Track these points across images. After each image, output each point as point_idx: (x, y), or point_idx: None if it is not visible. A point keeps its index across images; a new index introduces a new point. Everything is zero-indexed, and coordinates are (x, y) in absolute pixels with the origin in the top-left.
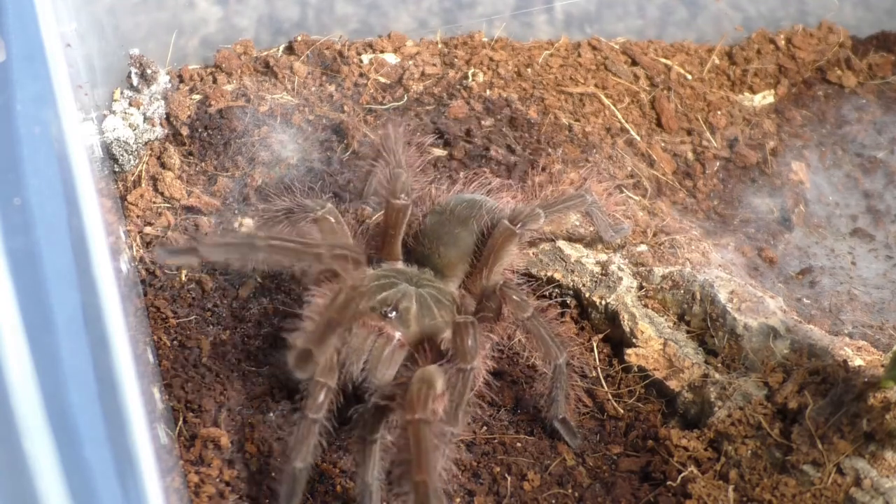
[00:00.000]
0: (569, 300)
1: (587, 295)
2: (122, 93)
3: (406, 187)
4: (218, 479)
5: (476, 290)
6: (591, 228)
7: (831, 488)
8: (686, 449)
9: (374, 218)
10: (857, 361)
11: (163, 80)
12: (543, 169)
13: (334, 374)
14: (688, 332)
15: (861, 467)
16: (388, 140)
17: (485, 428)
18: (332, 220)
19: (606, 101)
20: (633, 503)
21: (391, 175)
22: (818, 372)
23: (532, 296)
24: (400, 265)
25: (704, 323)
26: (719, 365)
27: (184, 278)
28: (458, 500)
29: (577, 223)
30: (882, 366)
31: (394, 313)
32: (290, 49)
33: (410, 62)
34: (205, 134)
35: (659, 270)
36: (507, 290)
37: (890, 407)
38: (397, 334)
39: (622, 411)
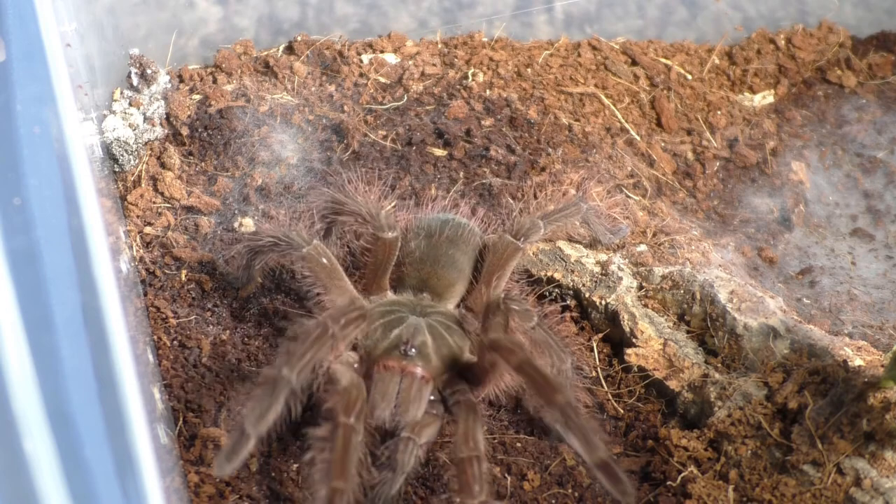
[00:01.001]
0: (569, 300)
1: (587, 295)
2: (122, 93)
3: (391, 219)
4: (218, 479)
5: (477, 307)
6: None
7: (831, 488)
8: (686, 449)
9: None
10: (857, 361)
11: (163, 80)
12: (543, 169)
13: (361, 420)
14: (688, 332)
15: (861, 467)
16: (346, 192)
17: (485, 428)
18: (321, 258)
19: (606, 101)
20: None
21: (370, 212)
22: (818, 372)
23: (533, 301)
24: (391, 295)
25: (704, 323)
26: (719, 365)
27: (184, 278)
28: (457, 499)
29: (577, 223)
30: (882, 366)
31: (413, 351)
32: (290, 49)
33: (410, 62)
34: (205, 134)
35: (659, 270)
36: (510, 302)
37: (890, 407)
38: (420, 371)
39: (622, 411)
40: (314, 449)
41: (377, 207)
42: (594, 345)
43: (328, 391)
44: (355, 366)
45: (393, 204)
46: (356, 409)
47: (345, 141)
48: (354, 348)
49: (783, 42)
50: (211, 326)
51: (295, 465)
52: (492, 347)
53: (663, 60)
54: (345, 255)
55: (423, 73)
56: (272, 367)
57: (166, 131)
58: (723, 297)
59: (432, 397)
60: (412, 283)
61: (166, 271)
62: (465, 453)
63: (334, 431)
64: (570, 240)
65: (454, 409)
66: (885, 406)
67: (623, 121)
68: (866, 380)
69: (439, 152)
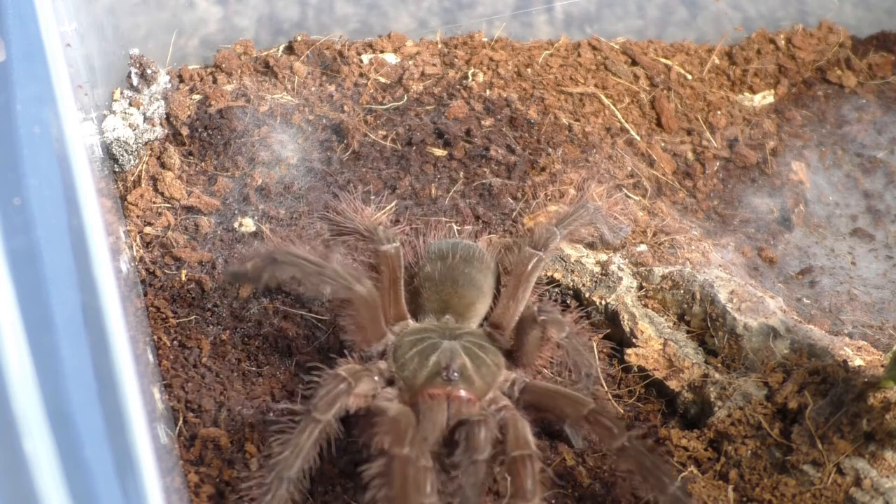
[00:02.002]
0: (569, 300)
1: (587, 295)
2: (122, 93)
3: (389, 233)
4: (218, 479)
5: (504, 322)
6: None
7: (831, 488)
8: (686, 449)
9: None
10: (857, 361)
11: (163, 80)
12: (543, 169)
13: (416, 448)
14: (688, 332)
15: (861, 467)
16: (343, 215)
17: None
18: (369, 299)
19: (606, 101)
20: (633, 503)
21: (368, 228)
22: (818, 372)
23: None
24: (413, 323)
25: (704, 323)
26: (719, 365)
27: (184, 278)
28: (457, 500)
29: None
30: (882, 366)
31: (455, 374)
32: (290, 49)
33: (410, 62)
34: (205, 134)
35: (659, 270)
36: (544, 314)
37: (890, 407)
38: (465, 393)
39: (622, 411)
40: (372, 488)
41: (373, 223)
42: (594, 345)
43: (374, 424)
44: (395, 401)
45: (394, 203)
46: (408, 437)
47: (345, 141)
48: (391, 383)
49: (783, 42)
50: (211, 326)
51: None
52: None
53: (663, 60)
54: None
55: (423, 73)
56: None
57: (166, 131)
58: (723, 297)
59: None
60: (433, 307)
61: (166, 271)
62: (517, 452)
63: (389, 465)
64: (571, 240)
65: (500, 423)
66: (885, 406)
67: (623, 121)
68: (866, 380)
69: (439, 152)
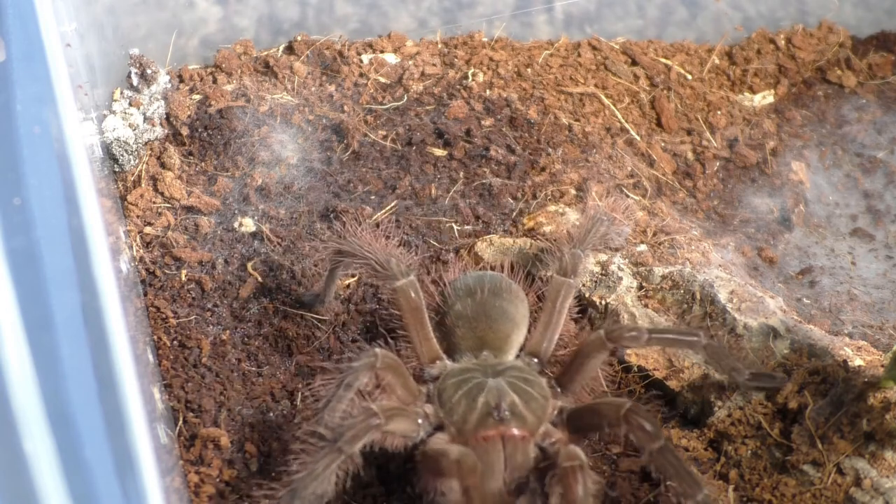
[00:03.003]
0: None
1: (587, 295)
2: (122, 93)
3: (402, 266)
4: (218, 479)
5: (542, 352)
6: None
7: (831, 488)
8: (686, 449)
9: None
10: (857, 361)
11: (163, 80)
12: (543, 169)
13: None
14: None
15: (861, 467)
16: (350, 241)
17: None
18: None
19: (606, 101)
20: (632, 503)
21: (379, 261)
22: (818, 372)
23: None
24: (451, 363)
25: (704, 323)
26: None
27: (184, 278)
28: None
29: (577, 223)
30: (882, 366)
31: (506, 413)
32: (290, 49)
33: (410, 62)
34: (205, 134)
35: (659, 270)
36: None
37: (890, 407)
38: (519, 431)
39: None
40: None
41: (385, 255)
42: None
43: (439, 468)
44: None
45: (394, 203)
46: (476, 473)
47: (345, 141)
48: (440, 428)
49: (783, 42)
50: (211, 326)
51: (295, 466)
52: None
53: (663, 60)
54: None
55: (423, 73)
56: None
57: (166, 131)
58: (723, 296)
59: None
60: (470, 345)
61: (166, 271)
62: (568, 463)
63: (468, 495)
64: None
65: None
66: (885, 406)
67: (623, 121)
68: (866, 380)
69: (439, 152)
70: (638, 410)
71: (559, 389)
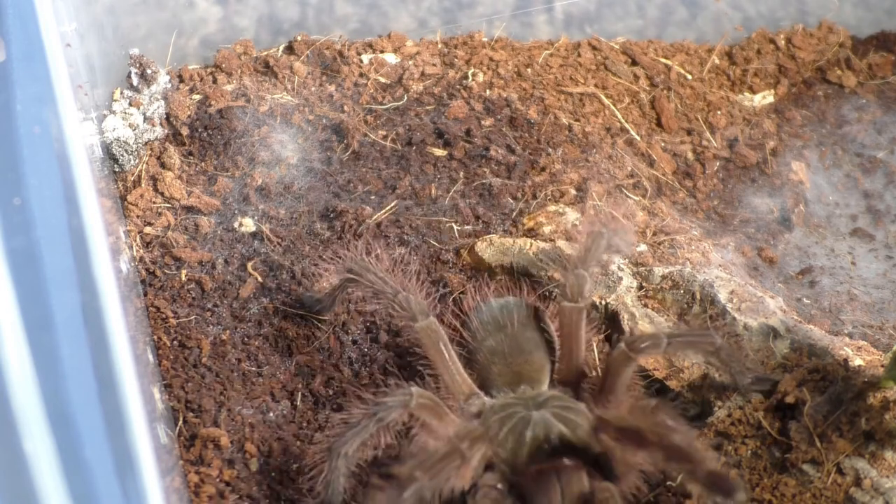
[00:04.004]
0: None
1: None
2: (122, 93)
3: (422, 304)
4: (218, 479)
5: (571, 379)
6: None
7: (831, 488)
8: None
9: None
10: (856, 361)
11: (163, 80)
12: (543, 169)
13: None
14: None
15: (861, 467)
16: (364, 269)
17: None
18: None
19: (606, 101)
20: (633, 503)
21: (399, 302)
22: (818, 371)
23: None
24: (488, 399)
25: (704, 323)
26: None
27: (184, 278)
28: None
29: (577, 222)
30: (882, 366)
31: (557, 445)
32: (290, 49)
33: (410, 62)
34: (205, 134)
35: (659, 270)
36: (636, 340)
37: (889, 406)
38: (572, 462)
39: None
40: None
41: (404, 294)
42: (594, 345)
43: None
44: (499, 486)
45: (394, 203)
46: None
47: (345, 141)
48: (489, 467)
49: (783, 42)
50: (211, 326)
51: (295, 466)
52: None
53: (663, 60)
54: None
55: (423, 73)
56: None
57: (166, 131)
58: (723, 296)
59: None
60: (506, 380)
61: (166, 271)
62: (600, 495)
63: None
64: (570, 240)
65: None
66: (884, 406)
67: (623, 121)
68: (866, 379)
69: (439, 152)
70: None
71: (599, 411)
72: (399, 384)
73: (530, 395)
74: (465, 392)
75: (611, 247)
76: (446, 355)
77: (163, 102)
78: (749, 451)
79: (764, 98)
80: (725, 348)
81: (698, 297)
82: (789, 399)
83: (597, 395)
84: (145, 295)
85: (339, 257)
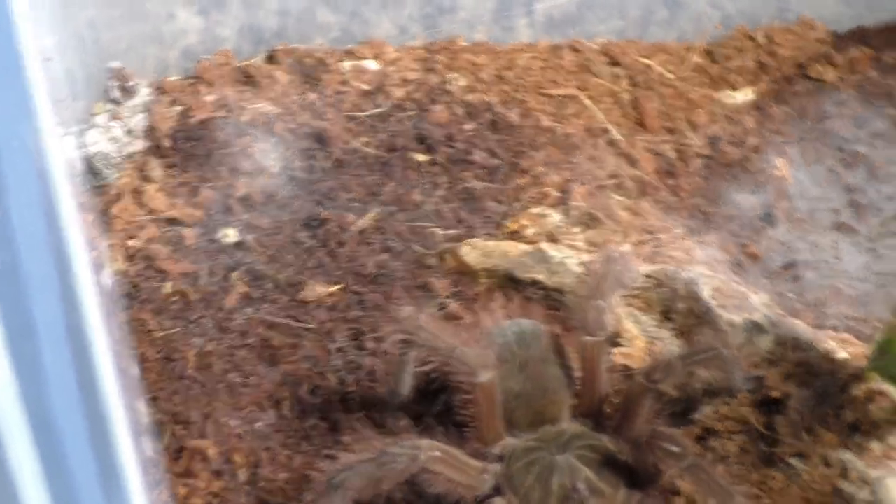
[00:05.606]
0: (553, 302)
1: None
2: (102, 106)
3: (485, 358)
4: (206, 491)
5: (592, 412)
6: (575, 229)
7: (819, 481)
8: None
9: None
10: (841, 354)
11: (144, 93)
12: (526, 172)
13: None
14: (672, 329)
15: (847, 459)
16: (420, 331)
17: None
18: (438, 460)
19: (588, 103)
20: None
21: (460, 355)
22: (803, 364)
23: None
24: (511, 440)
25: (689, 320)
26: None
27: (168, 290)
28: None
29: (560, 224)
30: (866, 357)
31: (585, 491)
32: (271, 58)
33: (391, 68)
34: (187, 145)
35: (643, 269)
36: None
37: (874, 397)
38: None
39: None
40: None
41: (462, 349)
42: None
43: None
44: None
45: (377, 209)
46: None
47: (327, 149)
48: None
49: (763, 39)
50: (196, 338)
51: (284, 475)
52: None
53: (644, 60)
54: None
55: (404, 79)
56: None
57: (148, 144)
58: (707, 294)
59: None
60: (528, 421)
61: (150, 284)
62: None
63: None
64: (553, 241)
65: None
66: (869, 397)
67: (605, 121)
68: (851, 372)
69: (422, 157)
70: (662, 433)
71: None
72: (411, 439)
73: (552, 433)
74: (493, 437)
75: (626, 270)
76: (494, 406)
77: (144, 115)
78: (736, 447)
79: (745, 95)
80: (731, 359)
81: (682, 294)
82: (775, 394)
83: (618, 426)
84: (129, 308)
85: (393, 332)
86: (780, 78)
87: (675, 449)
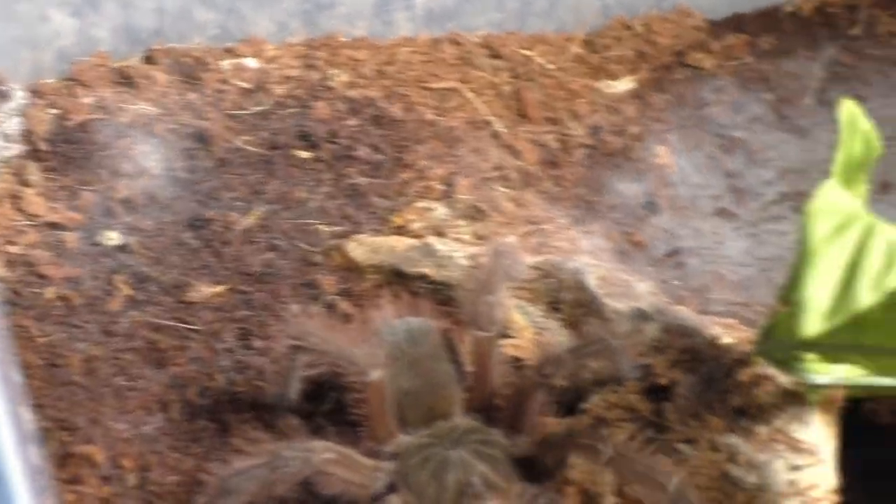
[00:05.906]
0: (441, 296)
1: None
2: None
3: (374, 357)
4: (94, 497)
5: (483, 406)
6: (461, 222)
7: (707, 466)
8: None
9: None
10: (726, 339)
11: (19, 96)
12: (410, 166)
13: None
14: (560, 319)
15: (735, 443)
16: (308, 336)
17: None
18: (331, 462)
19: (469, 95)
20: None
21: (349, 356)
22: (689, 351)
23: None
24: (405, 438)
25: (576, 310)
26: None
27: (50, 295)
28: None
29: (445, 217)
30: (750, 342)
31: (481, 486)
32: (148, 58)
33: (271, 66)
34: (65, 148)
35: (529, 260)
36: (544, 367)
37: (759, 382)
38: (499, 501)
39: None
40: None
41: (349, 350)
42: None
43: None
44: None
45: (262, 208)
46: None
47: (209, 148)
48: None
49: (641, 28)
50: (80, 343)
51: (174, 478)
52: None
53: (524, 52)
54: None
55: (284, 77)
56: None
57: (25, 148)
58: (592, 283)
59: None
60: (420, 417)
61: (32, 289)
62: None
63: None
64: (440, 235)
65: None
66: (754, 381)
67: (487, 114)
68: (736, 357)
69: (305, 154)
70: (579, 433)
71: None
72: (304, 443)
73: (445, 429)
74: (386, 435)
75: (512, 263)
76: (384, 405)
77: (20, 119)
78: (626, 435)
79: (625, 84)
80: (619, 348)
81: (568, 284)
82: (662, 381)
83: (510, 419)
84: (11, 315)
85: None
86: (659, 66)
87: (597, 445)
